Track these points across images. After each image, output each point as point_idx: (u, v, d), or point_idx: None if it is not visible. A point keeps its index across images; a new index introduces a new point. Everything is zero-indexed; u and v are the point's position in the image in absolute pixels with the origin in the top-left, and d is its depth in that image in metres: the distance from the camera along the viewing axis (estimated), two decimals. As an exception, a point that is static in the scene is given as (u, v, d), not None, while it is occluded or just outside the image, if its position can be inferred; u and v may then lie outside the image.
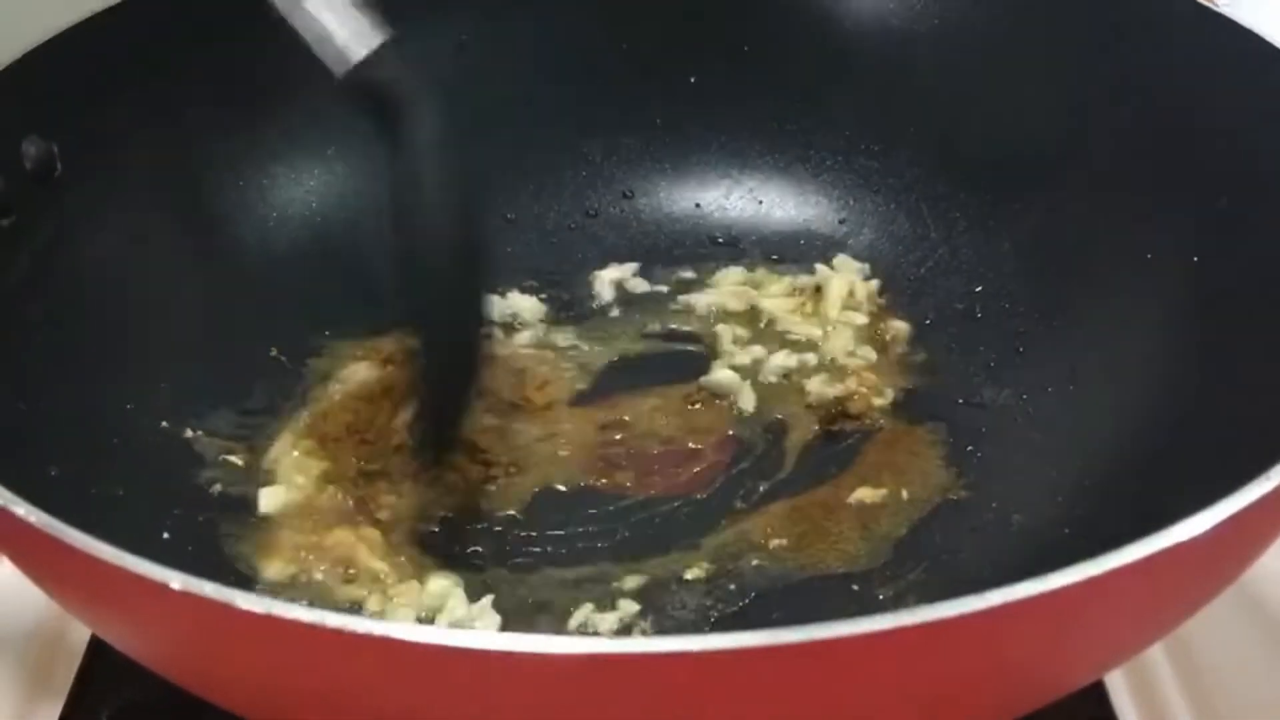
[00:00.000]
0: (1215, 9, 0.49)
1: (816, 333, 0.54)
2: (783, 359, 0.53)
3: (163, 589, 0.29)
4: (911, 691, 0.30)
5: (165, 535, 0.45)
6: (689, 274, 0.58)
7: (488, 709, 0.29)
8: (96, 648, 0.46)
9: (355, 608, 0.43)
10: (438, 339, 0.46)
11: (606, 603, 0.44)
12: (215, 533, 0.46)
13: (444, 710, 0.29)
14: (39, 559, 0.34)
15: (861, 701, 0.29)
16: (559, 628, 0.42)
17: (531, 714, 0.29)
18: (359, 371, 0.53)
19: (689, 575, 0.45)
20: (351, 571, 0.45)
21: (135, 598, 0.30)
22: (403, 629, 0.28)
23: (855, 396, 0.51)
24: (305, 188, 0.57)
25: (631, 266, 0.58)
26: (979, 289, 0.55)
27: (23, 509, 0.32)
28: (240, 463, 0.49)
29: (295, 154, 0.57)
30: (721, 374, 0.53)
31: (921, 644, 0.28)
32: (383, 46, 0.45)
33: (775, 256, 0.58)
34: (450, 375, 0.47)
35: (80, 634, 0.47)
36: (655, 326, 0.56)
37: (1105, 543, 0.39)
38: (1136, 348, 0.48)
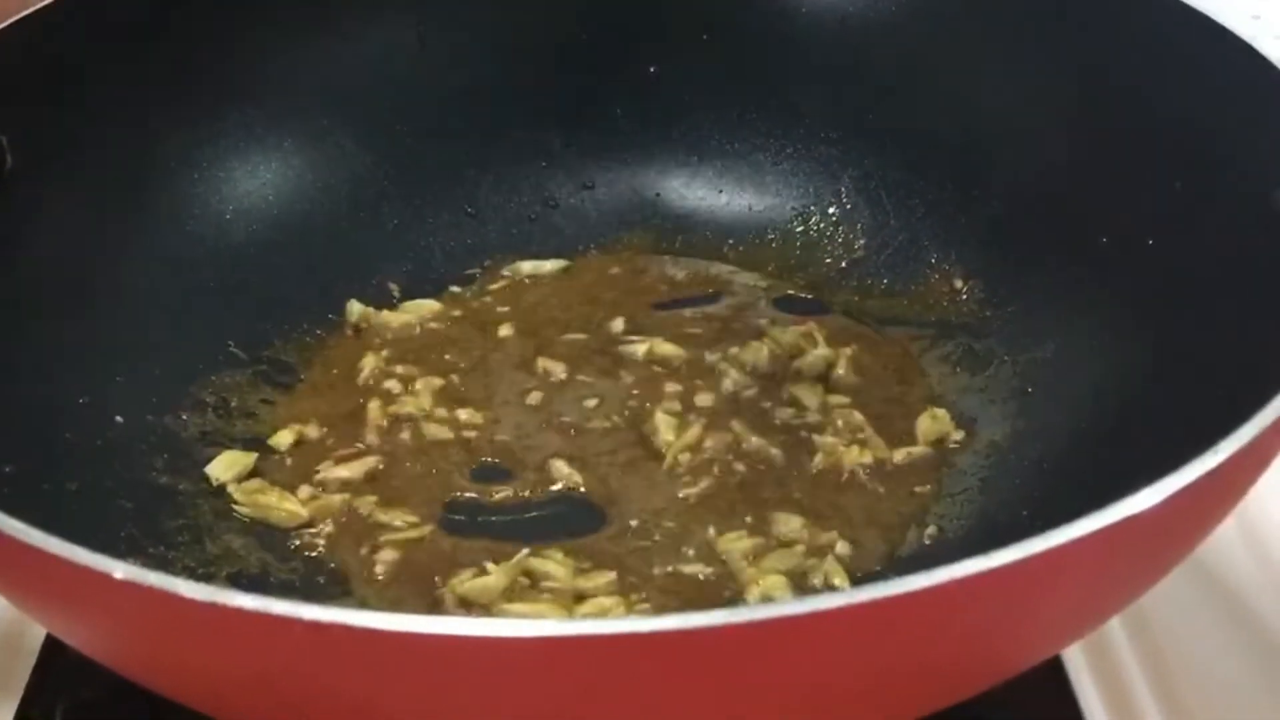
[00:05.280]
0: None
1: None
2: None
3: (105, 579, 0.28)
4: (862, 669, 0.30)
5: (122, 532, 0.45)
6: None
7: (442, 694, 0.29)
8: (52, 647, 0.46)
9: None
10: None
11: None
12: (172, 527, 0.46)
13: (396, 695, 0.29)
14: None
15: (808, 681, 0.29)
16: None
17: (487, 699, 0.29)
18: (316, 367, 0.53)
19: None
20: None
21: (78, 589, 0.30)
22: (350, 615, 0.27)
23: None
24: (262, 181, 0.57)
25: None
26: (937, 276, 0.55)
27: (-38, 501, 0.31)
28: (196, 457, 0.49)
29: (252, 148, 0.57)
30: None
31: (871, 622, 0.28)
32: None
33: (732, 241, 0.58)
34: None
35: (36, 633, 0.46)
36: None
37: (1061, 525, 0.39)
38: (1093, 331, 0.48)
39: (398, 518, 0.47)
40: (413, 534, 0.47)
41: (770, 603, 0.27)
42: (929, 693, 0.33)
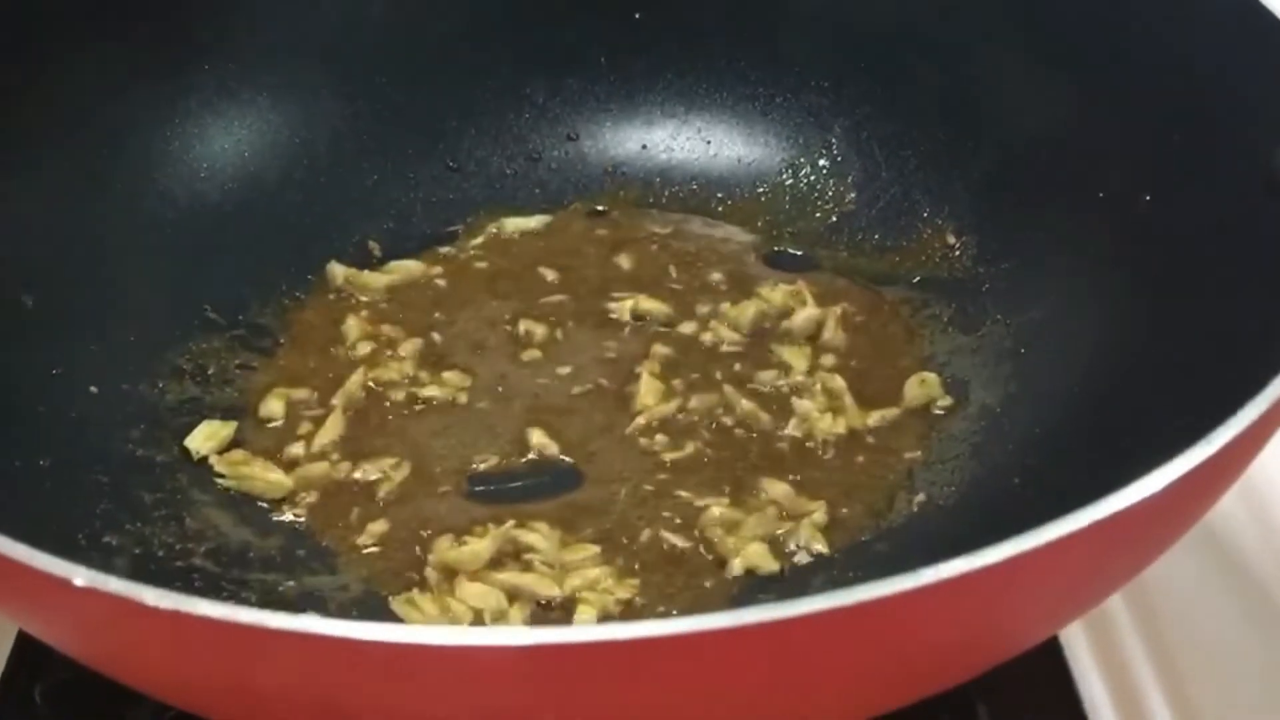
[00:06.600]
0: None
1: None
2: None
3: (65, 584, 0.28)
4: (846, 668, 0.29)
5: (98, 508, 0.44)
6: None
7: (409, 700, 0.28)
8: (30, 627, 0.45)
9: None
10: None
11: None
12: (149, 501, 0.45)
13: (362, 701, 0.28)
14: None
15: (788, 681, 0.29)
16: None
17: (457, 705, 0.28)
18: (296, 331, 0.52)
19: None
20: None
21: (39, 593, 0.29)
22: (315, 623, 0.27)
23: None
24: (237, 137, 0.55)
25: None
26: (930, 231, 0.54)
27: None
28: (173, 427, 0.48)
29: (226, 104, 0.55)
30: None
31: (853, 624, 0.28)
32: None
33: (721, 195, 0.57)
34: None
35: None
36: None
37: (1054, 493, 0.38)
38: (1088, 290, 0.47)
39: (374, 471, 0.47)
40: (394, 480, 0.46)
41: (750, 608, 0.26)
42: (915, 685, 0.32)
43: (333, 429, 0.48)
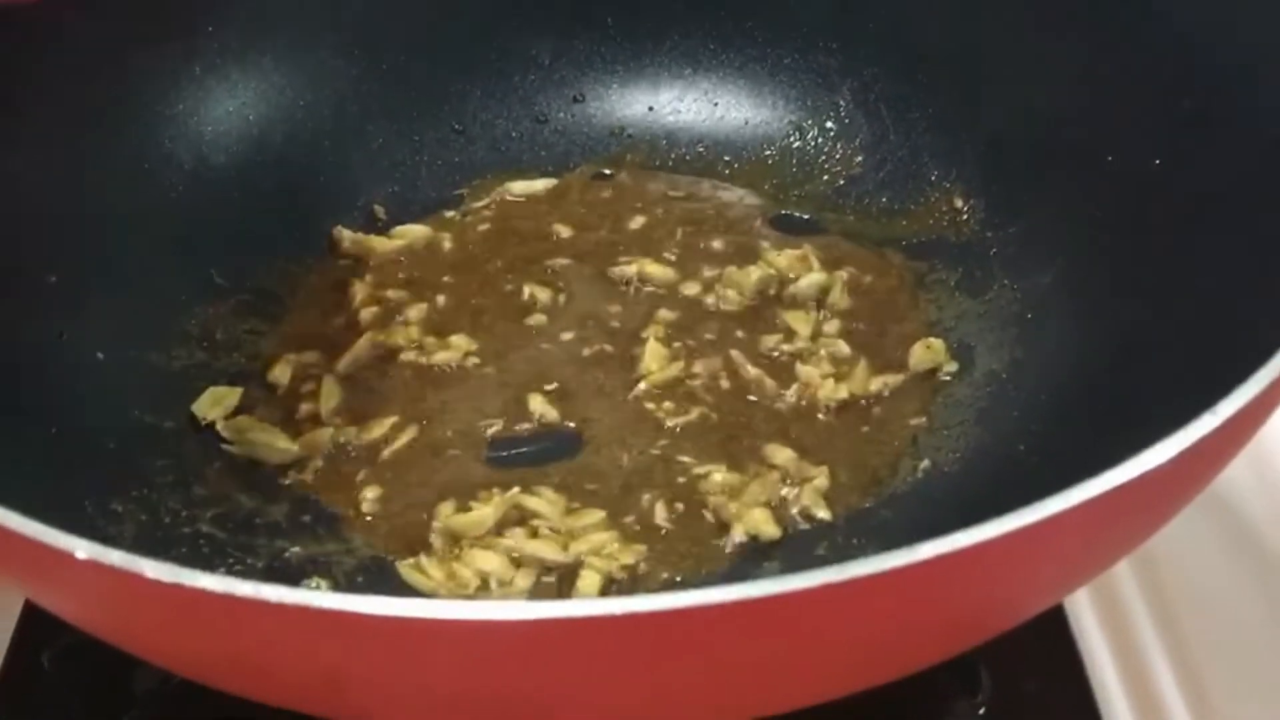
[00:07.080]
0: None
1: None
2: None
3: (67, 557, 0.28)
4: (853, 641, 0.29)
5: (105, 475, 0.44)
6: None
7: (406, 671, 0.28)
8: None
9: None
10: None
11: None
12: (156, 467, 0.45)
13: (362, 672, 0.28)
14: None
15: (800, 653, 0.29)
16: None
17: (454, 677, 0.28)
18: (302, 296, 0.52)
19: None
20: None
21: (42, 565, 0.29)
22: (313, 596, 0.27)
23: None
24: (241, 100, 0.55)
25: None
26: (937, 195, 0.53)
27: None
28: (180, 393, 0.48)
29: (230, 66, 0.55)
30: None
31: (855, 598, 0.28)
32: None
33: (728, 158, 0.57)
34: None
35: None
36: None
37: (1059, 460, 0.38)
38: (1096, 255, 0.47)
39: (380, 436, 0.47)
40: (400, 445, 0.46)
41: (746, 583, 0.26)
42: (915, 656, 0.32)
43: (337, 394, 0.48)
